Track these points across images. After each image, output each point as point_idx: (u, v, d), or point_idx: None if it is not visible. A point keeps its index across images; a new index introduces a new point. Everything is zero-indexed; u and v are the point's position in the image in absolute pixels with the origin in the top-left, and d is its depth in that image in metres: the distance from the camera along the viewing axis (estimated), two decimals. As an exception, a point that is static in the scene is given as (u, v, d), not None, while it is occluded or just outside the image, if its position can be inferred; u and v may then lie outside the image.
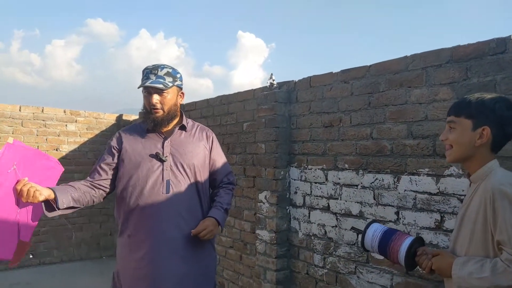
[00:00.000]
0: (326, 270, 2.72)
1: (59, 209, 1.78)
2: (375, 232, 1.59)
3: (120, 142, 2.03)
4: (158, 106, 1.94)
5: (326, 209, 2.75)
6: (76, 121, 5.45)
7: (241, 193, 3.57)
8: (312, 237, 2.84)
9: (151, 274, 1.88)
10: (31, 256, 5.09)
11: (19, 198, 1.65)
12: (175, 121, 2.05)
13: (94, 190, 1.98)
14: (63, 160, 5.33)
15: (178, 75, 2.03)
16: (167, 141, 2.00)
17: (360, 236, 1.89)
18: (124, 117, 5.77)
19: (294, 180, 3.01)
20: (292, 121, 3.04)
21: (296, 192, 2.99)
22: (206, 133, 2.15)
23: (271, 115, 3.04)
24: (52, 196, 1.74)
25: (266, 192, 3.06)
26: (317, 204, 2.82)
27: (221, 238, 3.76)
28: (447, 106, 2.07)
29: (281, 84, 3.14)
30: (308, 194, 2.89)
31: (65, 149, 5.35)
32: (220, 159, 2.16)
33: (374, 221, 1.67)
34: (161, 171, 1.95)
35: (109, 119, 5.75)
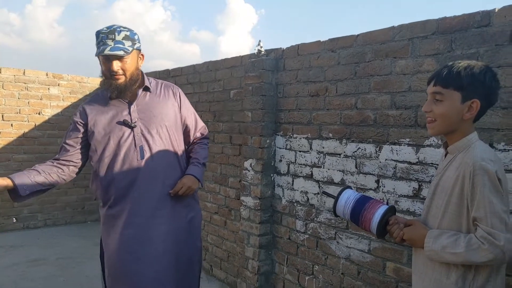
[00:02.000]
0: (307, 236, 2.82)
1: (21, 196, 1.80)
2: (348, 199, 1.58)
3: (84, 116, 1.99)
4: (120, 72, 1.88)
5: (309, 177, 2.81)
6: (59, 85, 5.34)
7: (227, 160, 3.60)
8: (295, 204, 2.91)
9: (137, 238, 1.93)
10: (14, 220, 5.10)
11: None
12: (137, 84, 1.99)
13: (62, 168, 1.97)
14: (47, 124, 5.26)
15: (136, 37, 1.95)
16: (132, 106, 1.97)
17: (331, 201, 1.87)
18: (108, 82, 5.66)
19: (279, 148, 3.05)
20: (279, 89, 3.04)
21: (281, 160, 3.04)
22: (173, 90, 2.10)
23: (258, 83, 3.04)
24: (11, 185, 1.75)
25: (252, 160, 3.10)
26: (301, 172, 2.87)
27: (206, 204, 3.83)
28: (431, 77, 2.11)
29: (269, 52, 3.12)
30: (293, 162, 2.94)
31: (48, 113, 5.26)
32: (190, 114, 2.14)
33: (347, 187, 1.67)
34: (133, 138, 1.94)
35: (93, 83, 5.64)
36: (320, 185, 2.73)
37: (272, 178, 3.08)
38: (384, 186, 2.36)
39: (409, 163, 2.24)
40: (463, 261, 1.26)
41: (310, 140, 2.81)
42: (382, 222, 1.47)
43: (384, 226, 1.49)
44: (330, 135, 2.67)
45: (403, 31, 2.26)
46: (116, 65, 1.87)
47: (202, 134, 2.21)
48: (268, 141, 3.05)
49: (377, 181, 2.40)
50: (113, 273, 1.98)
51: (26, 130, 5.13)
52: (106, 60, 1.87)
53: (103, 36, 1.85)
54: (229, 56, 3.58)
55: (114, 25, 1.89)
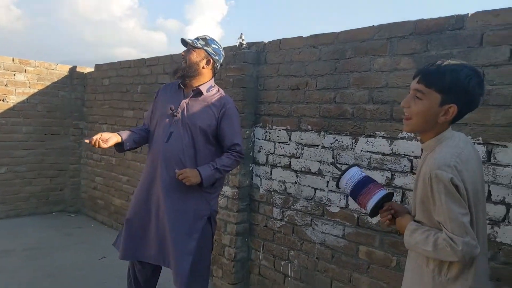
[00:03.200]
0: (284, 223, 2.94)
1: (125, 150, 2.39)
2: (352, 176, 1.67)
3: (157, 95, 2.51)
4: (184, 59, 2.35)
5: (288, 167, 2.93)
6: (25, 71, 5.14)
7: (204, 150, 3.65)
8: (273, 193, 3.02)
9: (149, 193, 2.39)
10: (-26, 211, 4.89)
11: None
12: (197, 82, 2.37)
13: (147, 132, 2.49)
14: (11, 111, 5.06)
15: (213, 46, 2.39)
16: (185, 100, 2.36)
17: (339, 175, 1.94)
18: (78, 69, 5.53)
19: (259, 139, 3.14)
20: (259, 82, 3.14)
21: (259, 151, 3.14)
22: (221, 103, 2.37)
23: (239, 75, 3.11)
24: (120, 140, 2.32)
25: (230, 150, 3.17)
26: (279, 162, 2.99)
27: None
28: (407, 75, 2.28)
29: (250, 45, 3.20)
30: (271, 153, 3.05)
31: (13, 100, 5.06)
32: (228, 129, 2.36)
33: (355, 164, 1.76)
34: (170, 123, 2.33)
35: (62, 70, 5.48)
36: (298, 174, 2.86)
37: (251, 168, 3.18)
38: (360, 176, 2.51)
39: (383, 154, 2.41)
40: (433, 257, 1.36)
41: (289, 132, 2.92)
42: (376, 207, 1.59)
43: (378, 209, 1.61)
44: (309, 127, 2.79)
45: (382, 30, 2.42)
46: (183, 51, 2.37)
47: (235, 149, 2.38)
48: (247, 132, 3.13)
49: (353, 171, 2.55)
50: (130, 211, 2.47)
51: (-11, 117, 4.92)
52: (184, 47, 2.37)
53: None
54: None
55: (205, 35, 2.42)
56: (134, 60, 4.62)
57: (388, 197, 1.61)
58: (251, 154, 3.18)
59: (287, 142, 2.94)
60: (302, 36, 2.84)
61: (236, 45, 3.25)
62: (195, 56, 2.34)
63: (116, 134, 2.33)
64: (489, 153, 2.01)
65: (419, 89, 1.36)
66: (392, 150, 2.38)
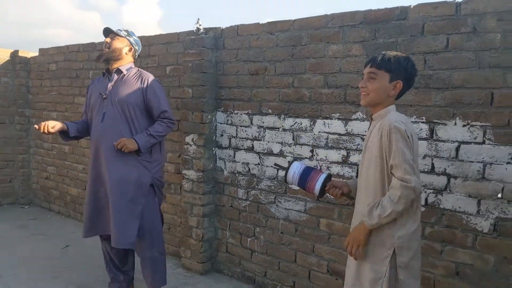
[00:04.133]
0: (249, 202, 3.11)
1: (70, 137, 2.71)
2: (295, 170, 2.01)
3: (88, 90, 2.82)
4: (107, 45, 2.63)
5: (250, 149, 3.08)
6: (-38, 56, 4.80)
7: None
8: (237, 174, 3.17)
9: (96, 174, 2.68)
10: None
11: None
12: (118, 64, 2.67)
13: (87, 125, 2.78)
14: (-51, 100, 4.73)
15: (134, 37, 2.74)
16: (110, 83, 2.66)
17: (283, 172, 2.32)
18: (20, 54, 5.22)
19: (220, 124, 3.25)
20: (219, 67, 3.21)
21: (222, 135, 3.25)
22: (143, 78, 2.67)
23: (198, 60, 3.17)
24: (65, 128, 2.65)
25: (193, 135, 3.26)
26: (242, 145, 3.12)
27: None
28: (358, 61, 2.48)
29: (207, 30, 3.25)
30: (234, 137, 3.17)
31: (-50, 88, 4.72)
32: (154, 99, 2.62)
33: (294, 159, 2.10)
34: (102, 106, 2.63)
35: (2, 55, 5.15)
36: (261, 156, 3.02)
37: (214, 152, 3.29)
38: (318, 155, 2.72)
39: (339, 134, 2.62)
40: (396, 216, 1.65)
41: (250, 116, 3.05)
42: (322, 188, 1.94)
43: (323, 190, 1.96)
44: (270, 111, 2.94)
45: (335, 19, 2.58)
46: (107, 39, 2.64)
47: (164, 115, 2.63)
48: (209, 117, 3.22)
49: (312, 151, 2.75)
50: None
51: None
52: (105, 36, 2.66)
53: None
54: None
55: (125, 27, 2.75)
56: (83, 44, 4.46)
57: (328, 178, 1.96)
58: (213, 138, 3.28)
59: (249, 126, 3.08)
60: (259, 23, 2.94)
61: (193, 30, 3.28)
62: (119, 43, 2.65)
63: (60, 122, 2.66)
64: (431, 131, 2.27)
65: (372, 72, 1.75)
66: (347, 130, 2.59)
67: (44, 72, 5.05)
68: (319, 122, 2.71)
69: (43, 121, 2.57)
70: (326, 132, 2.69)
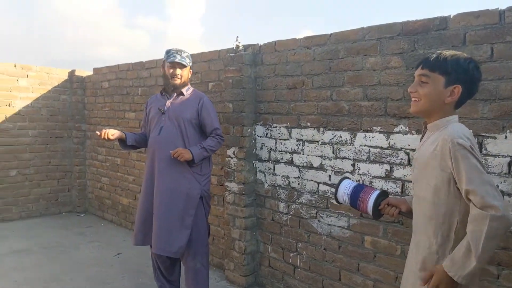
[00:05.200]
0: (290, 216, 3.11)
1: (127, 145, 2.91)
2: (344, 191, 1.85)
3: (147, 105, 3.03)
4: (179, 76, 2.84)
5: (290, 162, 3.08)
6: (27, 76, 5.23)
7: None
8: (277, 188, 3.18)
9: (149, 184, 2.85)
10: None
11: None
12: (182, 88, 2.90)
13: (146, 138, 2.99)
14: (17, 116, 5.18)
15: (191, 59, 2.94)
16: (169, 100, 2.88)
17: (324, 186, 2.18)
18: (77, 73, 5.61)
19: (260, 137, 3.28)
20: (258, 82, 3.26)
21: (262, 148, 3.28)
22: (198, 97, 2.89)
23: (238, 76, 3.23)
24: (124, 136, 2.86)
25: (234, 148, 3.32)
26: (281, 158, 3.14)
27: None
28: (398, 73, 2.42)
29: (246, 47, 3.31)
30: (273, 150, 3.19)
31: (18, 105, 5.17)
32: (208, 117, 2.85)
33: (344, 178, 1.94)
34: (160, 120, 2.84)
35: (61, 74, 5.56)
36: (300, 169, 3.01)
37: (254, 164, 3.33)
38: (360, 169, 2.67)
39: (381, 148, 2.56)
40: (489, 259, 1.41)
41: (289, 129, 3.06)
42: (376, 208, 1.76)
43: (378, 210, 1.77)
44: (308, 124, 2.93)
45: (371, 31, 2.53)
46: (179, 71, 2.83)
47: (216, 133, 2.86)
48: (249, 130, 3.27)
49: (353, 165, 2.70)
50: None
51: (-3, 123, 5.03)
52: (172, 67, 2.82)
53: (173, 52, 2.82)
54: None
55: (180, 48, 2.87)
56: (132, 63, 4.71)
57: (381, 196, 1.78)
58: (254, 151, 3.32)
59: (288, 139, 3.09)
60: (296, 38, 2.95)
61: (233, 48, 3.35)
62: (186, 72, 2.89)
63: (120, 131, 2.88)
64: (480, 145, 2.15)
65: (424, 74, 1.48)
66: (389, 144, 2.52)
67: (98, 90, 5.38)
68: (360, 135, 2.66)
69: (97, 127, 2.76)
70: (368, 146, 2.63)
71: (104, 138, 2.74)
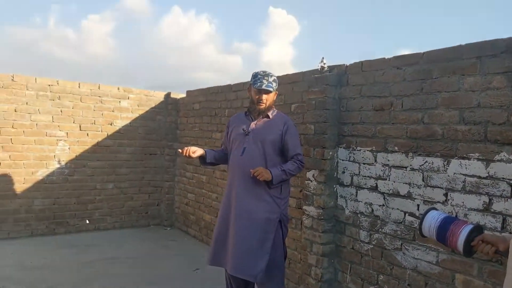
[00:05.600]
0: (372, 246, 2.90)
1: (206, 163, 3.01)
2: (431, 222, 1.64)
3: (229, 124, 3.06)
4: (264, 102, 2.83)
5: (374, 188, 2.90)
6: (128, 98, 5.78)
7: (288, 170, 3.75)
8: (359, 215, 3.01)
9: (228, 204, 2.85)
10: (87, 222, 5.57)
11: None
12: (268, 111, 2.89)
13: (225, 154, 3.05)
14: (117, 134, 5.71)
15: (278, 81, 2.92)
16: (253, 122, 2.88)
17: (410, 217, 1.92)
18: (172, 95, 6.05)
19: (342, 160, 3.16)
20: (342, 103, 3.17)
21: (344, 172, 3.15)
22: (283, 121, 2.88)
23: (322, 98, 3.18)
24: (204, 154, 2.93)
25: (314, 171, 3.24)
26: (365, 184, 2.97)
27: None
28: (501, 94, 2.17)
29: (331, 68, 3.26)
30: (356, 174, 3.04)
31: (119, 124, 5.71)
32: (291, 141, 2.82)
33: (431, 208, 1.73)
34: (243, 141, 2.84)
35: (158, 96, 6.04)
36: (385, 197, 2.82)
37: (335, 189, 3.20)
38: (453, 200, 2.41)
39: (479, 177, 2.28)
40: None
41: (374, 153, 2.90)
42: (467, 244, 1.53)
43: (469, 246, 1.54)
44: (396, 148, 2.75)
45: (470, 50, 2.32)
46: (265, 97, 2.82)
47: (297, 158, 2.83)
48: (331, 153, 3.17)
49: (445, 195, 2.45)
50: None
51: (100, 139, 5.60)
52: (258, 92, 2.81)
53: (260, 76, 2.82)
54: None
55: (267, 71, 2.86)
56: (221, 86, 4.93)
57: (475, 231, 1.55)
58: (335, 175, 3.20)
59: (372, 163, 2.92)
60: (385, 58, 2.83)
61: (317, 69, 3.33)
62: (273, 97, 2.89)
63: (201, 149, 2.95)
64: None
65: None
66: (488, 173, 2.24)
67: (189, 111, 5.72)
68: (455, 162, 2.41)
69: (187, 146, 2.89)
70: (463, 174, 2.37)
71: (185, 155, 2.81)
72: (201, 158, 2.97)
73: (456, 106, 2.39)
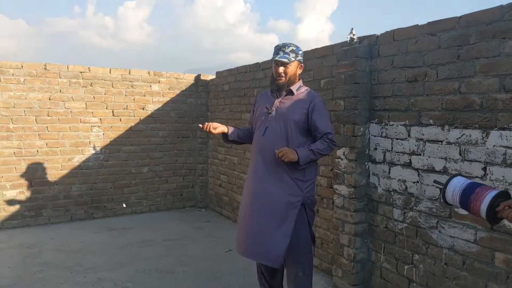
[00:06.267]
0: (406, 224, 2.78)
1: (228, 140, 2.85)
2: (456, 185, 1.53)
3: (255, 102, 2.88)
4: (282, 75, 2.56)
5: (408, 165, 2.76)
6: (159, 82, 5.83)
7: (318, 149, 3.66)
8: (392, 192, 2.88)
9: (250, 185, 2.69)
10: (124, 206, 5.73)
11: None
12: (290, 86, 2.62)
13: (250, 132, 2.90)
14: (150, 118, 5.79)
15: (300, 52, 2.62)
16: (277, 99, 2.65)
17: (442, 189, 1.78)
18: (202, 77, 6.04)
19: (374, 136, 3.03)
20: (373, 76, 3.01)
21: (376, 149, 3.02)
22: (310, 98, 2.60)
23: (351, 71, 3.04)
24: (226, 131, 2.79)
25: (345, 149, 3.13)
26: (398, 160, 2.83)
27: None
28: (549, 56, 1.95)
29: (361, 39, 3.10)
30: (389, 150, 2.91)
31: (151, 108, 5.78)
32: (319, 120, 2.55)
33: (456, 174, 1.61)
34: (265, 120, 2.64)
35: (188, 79, 6.05)
36: (420, 173, 2.67)
37: (367, 166, 3.08)
38: (492, 174, 2.24)
39: (522, 149, 2.10)
40: None
41: (408, 127, 2.75)
42: (492, 207, 1.40)
43: (494, 213, 1.41)
44: (431, 121, 2.59)
45: (514, 8, 2.11)
46: (281, 69, 2.56)
47: (327, 137, 2.54)
48: (362, 129, 3.04)
49: (484, 169, 2.29)
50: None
51: (133, 124, 5.70)
52: (276, 65, 2.58)
53: (277, 48, 2.59)
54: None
55: (287, 42, 2.66)
56: (249, 65, 4.85)
57: (501, 196, 1.40)
58: (366, 152, 3.08)
59: (406, 138, 2.78)
60: (418, 25, 2.64)
61: (346, 41, 3.17)
62: (292, 69, 2.59)
63: (225, 126, 2.80)
64: None
65: None
66: (533, 144, 2.06)
67: (219, 92, 5.70)
68: (494, 133, 2.24)
69: (208, 122, 2.76)
70: (504, 146, 2.19)
71: (206, 130, 2.69)
72: (224, 135, 2.84)
73: (496, 73, 2.20)
